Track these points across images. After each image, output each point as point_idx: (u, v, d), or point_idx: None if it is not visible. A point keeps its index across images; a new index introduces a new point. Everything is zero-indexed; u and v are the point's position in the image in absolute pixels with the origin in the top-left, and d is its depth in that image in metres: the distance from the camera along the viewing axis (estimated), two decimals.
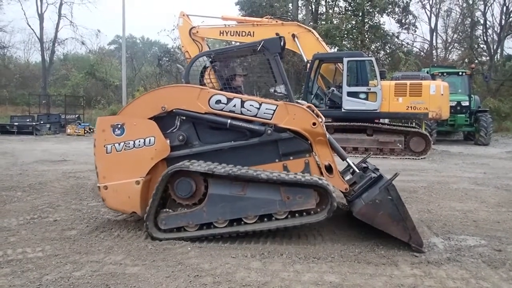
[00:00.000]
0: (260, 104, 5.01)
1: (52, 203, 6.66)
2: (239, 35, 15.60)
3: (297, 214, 4.86)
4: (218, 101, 5.05)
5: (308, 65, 14.11)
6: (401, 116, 14.56)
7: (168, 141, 5.15)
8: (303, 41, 14.38)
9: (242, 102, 5.02)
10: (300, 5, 33.24)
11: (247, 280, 3.77)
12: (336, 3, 33.39)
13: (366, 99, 13.66)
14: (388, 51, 32.79)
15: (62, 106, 33.23)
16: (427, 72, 18.01)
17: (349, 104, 13.71)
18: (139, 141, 5.08)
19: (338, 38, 28.62)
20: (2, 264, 4.11)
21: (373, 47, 31.37)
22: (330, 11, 33.21)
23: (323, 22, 31.21)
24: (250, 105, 5.01)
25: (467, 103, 18.26)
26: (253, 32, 15.20)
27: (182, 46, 17.38)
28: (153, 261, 4.21)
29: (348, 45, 29.94)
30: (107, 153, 5.13)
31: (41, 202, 6.70)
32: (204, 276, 3.85)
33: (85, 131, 24.33)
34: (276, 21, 15.25)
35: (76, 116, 29.29)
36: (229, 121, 5.06)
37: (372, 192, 4.77)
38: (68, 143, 18.87)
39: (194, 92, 5.13)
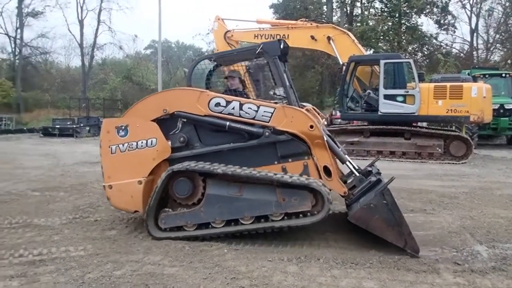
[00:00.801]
0: (258, 107, 5.06)
1: (93, 203, 6.84)
2: (273, 38, 15.59)
3: (293, 216, 4.86)
4: (218, 104, 5.13)
5: (344, 67, 13.96)
6: (441, 120, 14.16)
7: (169, 142, 5.26)
8: (339, 43, 14.28)
9: (241, 105, 5.09)
10: (334, 7, 33.05)
11: (284, 284, 3.75)
12: (372, 5, 33.03)
13: (404, 102, 13.36)
14: (426, 52, 32.13)
15: (100, 109, 34.26)
16: (468, 74, 17.50)
17: (386, 107, 13.45)
18: (142, 142, 5.20)
19: (373, 40, 28.24)
20: (47, 261, 4.25)
21: (410, 48, 30.82)
22: (366, 12, 32.84)
23: (358, 24, 30.90)
24: (249, 107, 5.07)
25: (510, 106, 17.58)
26: (288, 35, 15.19)
27: (217, 50, 17.57)
28: (190, 263, 4.24)
29: (384, 47, 29.50)
30: (111, 153, 5.26)
31: (82, 202, 6.89)
32: (241, 279, 3.85)
33: None
34: (311, 24, 15.20)
35: None
36: (228, 123, 5.12)
37: (369, 197, 4.75)
38: None
39: (194, 95, 5.24)
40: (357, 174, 5.32)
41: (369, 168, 5.87)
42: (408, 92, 13.36)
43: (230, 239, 4.93)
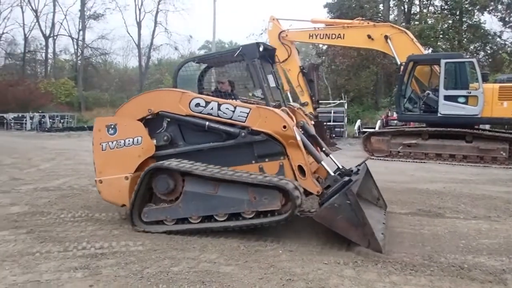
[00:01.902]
0: (235, 107, 5.23)
1: None
2: (328, 38, 15.44)
3: (264, 214, 4.97)
4: (198, 104, 5.35)
5: (402, 67, 13.53)
6: (506, 122, 13.39)
7: (155, 141, 5.56)
8: (396, 43, 13.88)
9: (219, 105, 5.28)
10: (391, 5, 32.14)
11: None
12: (431, 2, 31.76)
13: (466, 103, 12.74)
14: (489, 51, 30.53)
15: None
16: None
17: (446, 109, 12.89)
18: (129, 140, 5.54)
19: (432, 39, 27.14)
20: (108, 255, 4.39)
21: (471, 47, 29.39)
22: (424, 10, 31.65)
23: (416, 22, 29.84)
24: (226, 108, 5.25)
25: None
26: (343, 34, 14.96)
27: None
28: (245, 262, 4.24)
29: (443, 46, 28.31)
30: (102, 150, 5.64)
31: None
32: (296, 281, 3.81)
33: None
34: (368, 23, 14.87)
35: None
36: (207, 123, 5.32)
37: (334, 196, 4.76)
38: None
39: (176, 96, 5.48)
40: (332, 174, 5.33)
41: (354, 168, 5.94)
42: (470, 93, 12.73)
43: (285, 240, 4.90)
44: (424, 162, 12.70)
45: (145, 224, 5.34)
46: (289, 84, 17.65)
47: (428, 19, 29.19)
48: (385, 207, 6.31)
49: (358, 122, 24.57)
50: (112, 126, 5.61)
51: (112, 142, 5.59)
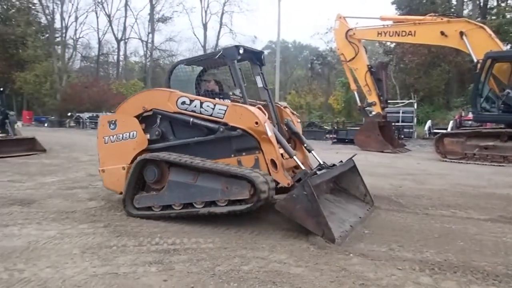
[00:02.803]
0: (214, 105, 5.69)
1: None
2: (398, 35, 14.99)
3: (236, 203, 5.32)
4: (184, 102, 5.86)
5: (479, 65, 12.79)
6: None
7: (148, 135, 6.14)
8: (473, 39, 13.17)
9: (201, 103, 5.76)
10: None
11: None
12: None
13: None
14: None
15: None
16: None
17: None
18: (126, 134, 6.20)
19: (511, 35, 25.53)
20: (180, 251, 4.48)
21: None
22: (503, 4, 29.81)
23: (493, 17, 28.17)
24: (207, 105, 5.72)
25: None
26: (414, 31, 14.46)
27: (338, 49, 17.36)
28: (316, 264, 4.16)
29: None
30: (105, 143, 6.37)
31: None
32: (369, 286, 3.68)
33: None
34: (441, 19, 14.24)
35: None
36: (191, 119, 5.80)
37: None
38: None
39: (166, 95, 6.03)
40: (303, 168, 5.67)
41: (337, 163, 6.31)
42: None
43: (357, 243, 4.77)
44: (502, 166, 11.94)
45: (137, 210, 5.93)
46: (356, 84, 17.33)
47: (506, 13, 27.45)
48: (372, 203, 6.59)
49: (429, 123, 23.62)
50: (113, 122, 6.31)
51: (113, 136, 6.29)
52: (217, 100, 5.90)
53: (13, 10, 44.69)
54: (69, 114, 37.70)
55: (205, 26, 48.99)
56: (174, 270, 3.96)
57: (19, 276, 3.82)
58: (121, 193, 6.15)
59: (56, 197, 7.23)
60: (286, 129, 6.54)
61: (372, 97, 16.62)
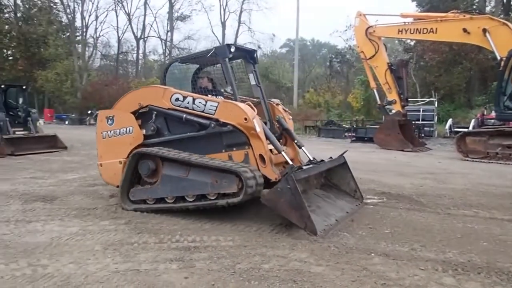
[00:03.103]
0: (206, 102, 5.85)
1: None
2: (419, 33, 14.79)
3: (225, 196, 5.45)
4: (177, 99, 6.02)
5: (502, 62, 12.53)
6: None
7: (144, 131, 6.31)
8: (496, 36, 12.93)
9: (193, 100, 5.92)
10: None
11: None
12: None
13: None
14: None
15: None
16: None
17: None
18: (123, 129, 6.39)
19: None
20: (201, 248, 4.49)
21: None
22: None
23: None
24: (199, 102, 5.87)
25: None
26: (436, 28, 14.25)
27: (357, 46, 17.22)
28: (336, 263, 4.12)
29: None
30: (103, 138, 6.60)
31: None
32: (391, 286, 3.63)
33: None
34: (464, 16, 13.99)
35: None
36: (184, 115, 5.96)
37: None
38: None
39: (160, 92, 6.22)
40: (290, 163, 5.78)
41: (327, 159, 6.46)
42: None
43: (378, 243, 4.72)
44: None
45: (132, 202, 6.16)
46: (376, 82, 17.16)
47: None
48: (362, 199, 6.71)
49: (450, 121, 23.27)
50: (111, 118, 6.53)
51: (110, 131, 6.52)
52: (208, 97, 6.08)
53: (35, 10, 45.45)
54: (89, 112, 38.23)
55: (223, 24, 49.16)
56: (194, 268, 3.97)
57: (43, 271, 3.88)
58: (117, 186, 6.35)
59: (78, 194, 7.32)
60: (278, 125, 6.68)
61: (392, 95, 16.44)
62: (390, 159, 13.34)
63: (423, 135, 20.53)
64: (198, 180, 5.61)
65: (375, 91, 17.73)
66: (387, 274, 3.88)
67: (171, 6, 48.52)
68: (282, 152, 5.86)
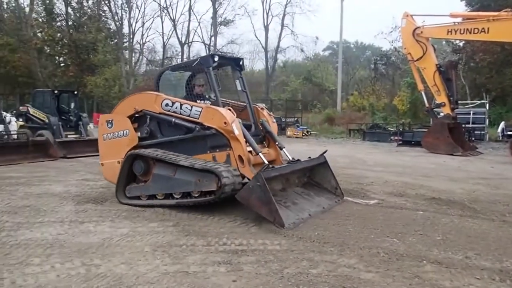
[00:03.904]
0: (192, 107, 6.39)
1: None
2: (470, 33, 14.26)
3: (207, 194, 5.96)
4: (167, 104, 6.59)
5: None
6: None
7: (139, 133, 6.93)
8: None
9: (181, 105, 6.49)
10: None
11: None
12: None
13: None
14: None
15: (282, 109, 35.83)
16: None
17: None
18: (120, 132, 7.01)
19: None
20: (248, 252, 4.50)
21: None
22: None
23: None
24: (186, 107, 6.44)
25: None
26: (488, 28, 13.69)
27: (404, 48, 16.81)
28: (387, 270, 4.02)
29: None
30: (103, 140, 7.23)
31: None
32: None
33: (303, 134, 25.54)
34: None
35: (295, 119, 31.08)
36: (173, 119, 6.55)
37: None
38: (289, 144, 19.99)
39: (152, 97, 6.80)
40: (266, 162, 6.06)
41: (305, 159, 6.95)
42: None
43: (430, 250, 4.58)
44: None
45: (128, 198, 6.73)
46: (423, 84, 16.68)
47: None
48: (342, 196, 7.03)
49: (502, 124, 22.28)
50: (110, 121, 7.16)
51: (109, 134, 7.14)
52: (193, 102, 6.55)
53: (85, 18, 47.21)
54: None
55: (266, 28, 49.32)
56: (242, 271, 3.97)
57: (96, 271, 3.99)
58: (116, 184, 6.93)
59: None
60: (262, 128, 7.15)
61: (441, 98, 15.91)
62: (439, 163, 12.92)
63: (473, 138, 19.75)
64: (184, 179, 6.14)
65: (423, 93, 17.23)
66: (441, 282, 3.76)
67: (215, 11, 49.19)
68: (260, 154, 6.29)
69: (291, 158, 6.75)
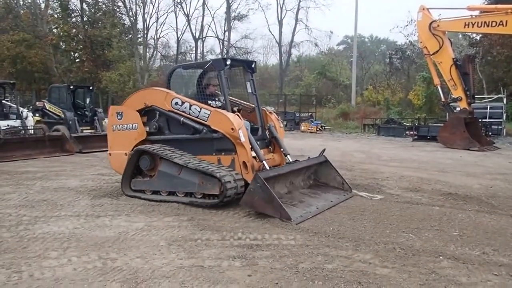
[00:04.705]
0: (201, 109, 6.47)
1: None
2: (487, 26, 14.00)
3: (210, 197, 6.12)
4: (177, 103, 6.68)
5: None
6: None
7: (147, 128, 7.05)
8: None
9: (190, 105, 6.57)
10: None
11: None
12: None
13: None
14: None
15: (296, 104, 35.68)
16: None
17: None
18: (129, 125, 7.16)
19: None
20: (262, 247, 4.50)
21: None
22: None
23: None
24: (195, 108, 6.52)
25: None
26: (506, 21, 13.45)
27: (420, 42, 16.59)
28: (403, 265, 3.99)
29: None
30: (113, 131, 7.39)
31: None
32: None
33: (317, 129, 25.43)
34: None
35: (309, 114, 30.93)
36: (182, 118, 6.64)
37: None
38: (303, 139, 20.06)
39: (163, 94, 6.89)
40: (268, 168, 6.16)
41: (304, 159, 7.22)
42: None
43: (447, 245, 4.52)
44: None
45: (133, 191, 6.91)
46: (440, 78, 16.45)
47: None
48: (350, 190, 7.10)
49: None
50: (120, 113, 7.29)
51: (119, 125, 7.29)
52: (203, 104, 6.57)
53: (100, 13, 47.38)
54: None
55: (280, 22, 48.94)
56: (257, 266, 3.98)
57: (112, 264, 4.03)
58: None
59: None
60: (268, 132, 7.17)
61: (458, 92, 15.68)
62: (456, 158, 12.75)
63: (490, 133, 19.45)
64: (188, 180, 6.27)
65: (439, 87, 17.00)
66: (458, 278, 3.72)
67: (229, 6, 49.00)
68: (264, 162, 6.30)
69: (291, 160, 6.89)
